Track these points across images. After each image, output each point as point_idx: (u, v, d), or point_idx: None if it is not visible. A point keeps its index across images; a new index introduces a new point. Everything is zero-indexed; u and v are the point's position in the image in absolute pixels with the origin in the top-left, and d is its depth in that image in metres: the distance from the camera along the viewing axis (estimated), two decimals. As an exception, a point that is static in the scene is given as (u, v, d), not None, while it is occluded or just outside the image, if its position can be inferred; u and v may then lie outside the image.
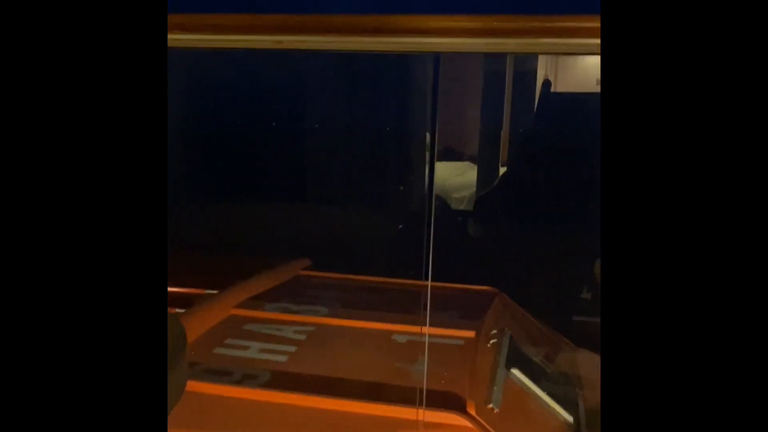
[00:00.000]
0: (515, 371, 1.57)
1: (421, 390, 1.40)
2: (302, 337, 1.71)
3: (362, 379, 1.49)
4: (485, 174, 2.41)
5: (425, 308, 1.89)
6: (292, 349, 1.64)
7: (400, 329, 1.76)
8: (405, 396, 1.39)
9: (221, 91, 2.27)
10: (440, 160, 2.33)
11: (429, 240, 1.54)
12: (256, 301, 1.91)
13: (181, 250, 2.20)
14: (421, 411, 1.33)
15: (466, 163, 2.48)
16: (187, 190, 2.32)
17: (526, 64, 2.26)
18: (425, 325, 1.73)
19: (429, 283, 1.52)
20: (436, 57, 1.65)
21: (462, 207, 2.51)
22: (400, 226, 2.25)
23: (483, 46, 1.06)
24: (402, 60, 2.14)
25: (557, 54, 2.20)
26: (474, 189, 2.45)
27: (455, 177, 2.51)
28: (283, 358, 1.58)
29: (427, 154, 1.92)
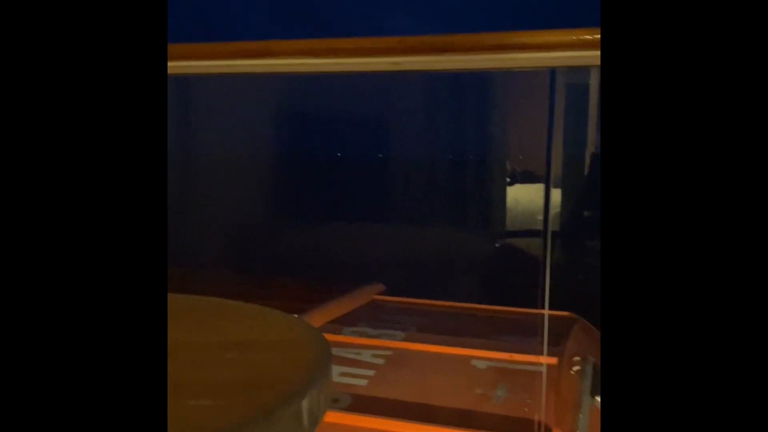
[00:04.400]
0: (601, 399, 1.51)
1: (507, 416, 1.37)
2: (381, 361, 1.71)
3: (444, 404, 1.47)
4: (569, 196, 2.35)
5: (514, 334, 1.84)
6: (372, 373, 1.64)
7: (480, 355, 1.73)
8: (488, 423, 1.37)
9: (308, 116, 2.32)
10: (522, 182, 2.29)
11: (545, 264, 1.48)
12: (335, 324, 1.93)
13: (268, 274, 2.25)
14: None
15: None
16: (277, 213, 2.37)
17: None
18: (505, 351, 1.70)
19: (546, 312, 1.46)
20: (552, 72, 1.60)
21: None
22: (497, 244, 2.21)
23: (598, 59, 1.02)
24: (479, 79, 2.12)
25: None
26: (558, 210, 2.39)
27: (538, 199, 2.47)
28: (363, 382, 1.58)
29: (546, 174, 1.87)
